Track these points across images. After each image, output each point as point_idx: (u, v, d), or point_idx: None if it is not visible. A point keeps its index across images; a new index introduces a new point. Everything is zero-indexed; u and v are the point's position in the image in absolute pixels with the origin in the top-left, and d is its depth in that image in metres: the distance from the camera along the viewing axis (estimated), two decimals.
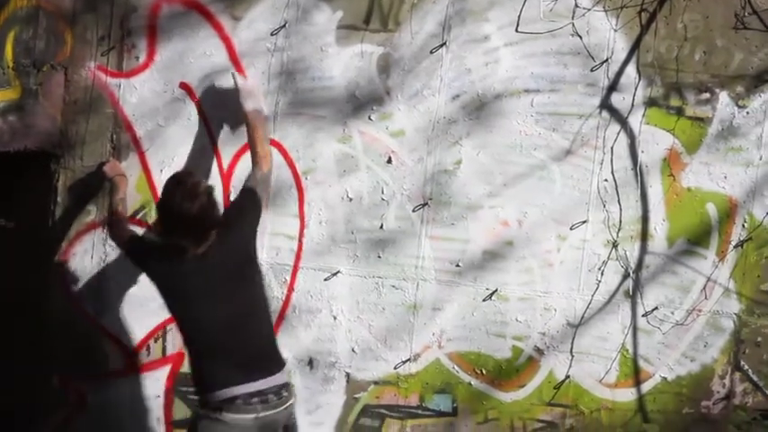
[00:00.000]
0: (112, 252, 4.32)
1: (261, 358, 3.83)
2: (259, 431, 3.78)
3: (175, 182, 3.82)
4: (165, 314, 4.27)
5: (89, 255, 4.33)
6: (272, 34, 4.30)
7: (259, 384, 3.77)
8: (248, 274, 3.91)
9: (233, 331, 3.78)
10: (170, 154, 4.32)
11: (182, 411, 4.40)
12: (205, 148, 4.34)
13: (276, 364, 3.88)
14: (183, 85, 4.30)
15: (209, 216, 3.77)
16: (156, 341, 4.38)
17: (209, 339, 3.79)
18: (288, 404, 3.85)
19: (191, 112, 4.31)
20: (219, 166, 4.36)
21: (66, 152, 4.30)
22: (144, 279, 4.27)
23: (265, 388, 3.78)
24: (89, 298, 4.35)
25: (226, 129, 4.33)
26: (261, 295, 3.94)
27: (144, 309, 4.34)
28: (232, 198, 4.27)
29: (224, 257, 3.82)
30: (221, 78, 4.29)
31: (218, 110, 4.32)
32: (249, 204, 4.01)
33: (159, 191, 4.25)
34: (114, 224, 4.17)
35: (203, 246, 3.79)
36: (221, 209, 3.91)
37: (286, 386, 3.88)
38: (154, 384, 4.38)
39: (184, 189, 3.75)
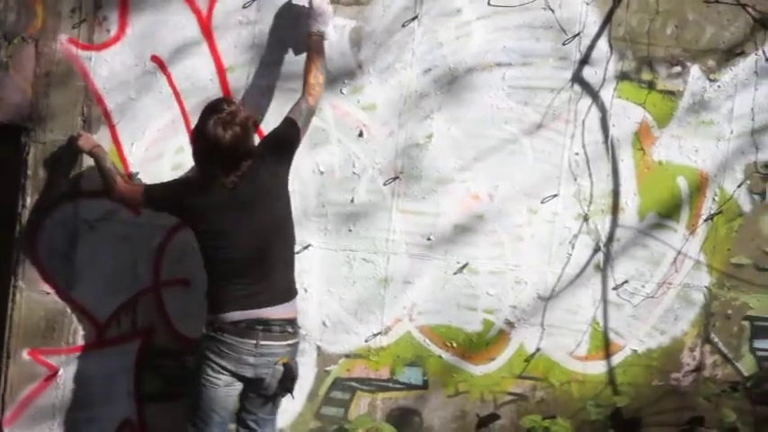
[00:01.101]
0: (83, 225, 4.30)
1: (275, 288, 3.87)
2: (257, 359, 3.82)
3: (212, 108, 3.80)
4: (136, 288, 4.35)
5: (60, 228, 4.30)
6: (243, 7, 4.28)
7: (266, 312, 3.82)
8: (277, 206, 3.92)
9: (255, 260, 3.82)
10: (141, 127, 4.30)
11: (152, 385, 4.39)
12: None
13: (288, 296, 3.92)
14: (155, 59, 4.28)
15: (241, 147, 3.75)
16: (126, 315, 4.36)
17: (229, 266, 3.83)
18: (290, 341, 3.89)
19: (162, 85, 4.29)
20: None
21: (36, 125, 4.27)
22: (115, 252, 4.31)
23: (272, 318, 3.83)
24: (60, 271, 4.33)
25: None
26: (287, 226, 3.97)
27: (115, 282, 4.33)
28: None
29: (255, 190, 3.83)
30: (192, 51, 4.28)
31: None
32: (287, 137, 3.98)
33: (129, 165, 4.30)
34: (119, 189, 4.11)
35: (233, 176, 3.79)
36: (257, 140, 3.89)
37: (292, 323, 3.91)
38: (124, 358, 4.36)
39: (219, 117, 3.73)
